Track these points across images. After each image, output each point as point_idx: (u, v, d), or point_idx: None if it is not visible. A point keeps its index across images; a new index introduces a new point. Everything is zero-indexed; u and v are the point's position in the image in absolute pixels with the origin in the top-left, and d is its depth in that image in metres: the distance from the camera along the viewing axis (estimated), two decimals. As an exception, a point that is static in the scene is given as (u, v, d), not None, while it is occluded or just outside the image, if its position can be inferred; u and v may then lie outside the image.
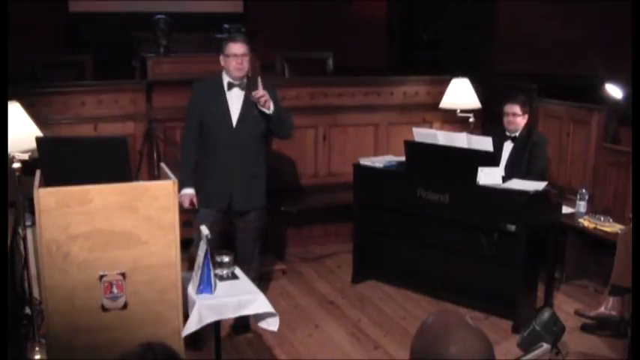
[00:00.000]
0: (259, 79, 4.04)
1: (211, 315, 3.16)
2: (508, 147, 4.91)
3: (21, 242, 3.96)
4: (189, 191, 4.09)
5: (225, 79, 4.10)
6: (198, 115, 4.11)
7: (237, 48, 4.02)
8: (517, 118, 4.90)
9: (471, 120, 5.81)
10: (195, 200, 4.11)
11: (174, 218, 3.00)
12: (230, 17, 6.96)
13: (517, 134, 4.93)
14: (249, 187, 4.18)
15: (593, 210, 5.08)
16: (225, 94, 4.10)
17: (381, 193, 4.92)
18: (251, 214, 4.23)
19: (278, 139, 4.82)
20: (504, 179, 4.44)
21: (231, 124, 4.09)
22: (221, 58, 4.08)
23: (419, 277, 4.96)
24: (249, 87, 4.08)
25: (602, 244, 4.78)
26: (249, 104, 4.09)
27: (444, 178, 4.57)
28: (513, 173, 4.63)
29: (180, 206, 3.52)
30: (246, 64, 4.06)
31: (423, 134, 4.85)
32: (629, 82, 4.47)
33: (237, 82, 4.09)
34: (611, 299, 4.21)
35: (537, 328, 2.23)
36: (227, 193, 4.13)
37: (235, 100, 4.10)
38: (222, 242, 4.14)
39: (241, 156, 4.12)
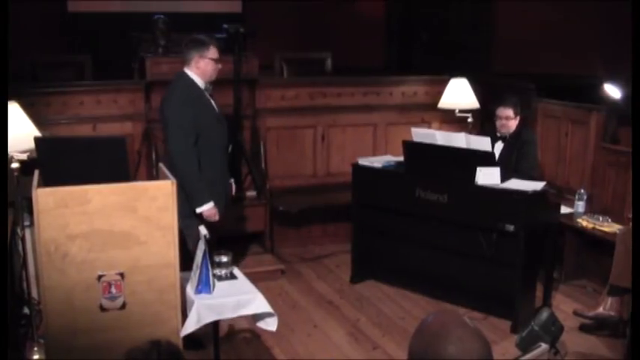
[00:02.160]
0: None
1: (210, 315, 3.17)
2: (499, 147, 4.90)
3: (19, 242, 3.96)
4: (212, 203, 4.00)
5: (201, 82, 4.05)
6: (195, 122, 3.96)
7: (218, 52, 4.06)
8: (510, 122, 4.88)
9: (470, 120, 5.82)
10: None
11: (172, 218, 3.00)
12: (229, 17, 6.95)
13: (508, 135, 4.92)
14: None
15: (591, 210, 5.08)
16: (207, 97, 4.08)
17: (380, 193, 4.92)
18: None
19: None
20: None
21: (225, 126, 4.16)
22: (198, 59, 4.00)
23: (418, 277, 4.96)
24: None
25: (600, 244, 4.78)
26: (219, 105, 4.20)
27: (442, 178, 4.57)
28: (504, 172, 4.60)
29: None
30: None
31: (422, 134, 4.85)
32: (628, 82, 4.47)
33: (209, 85, 4.10)
34: (609, 299, 4.21)
35: (536, 328, 2.23)
36: (225, 196, 4.21)
37: (213, 102, 4.12)
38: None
39: (226, 155, 4.27)
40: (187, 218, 3.80)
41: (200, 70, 4.02)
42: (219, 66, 4.09)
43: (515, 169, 4.72)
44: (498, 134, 4.94)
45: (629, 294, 3.92)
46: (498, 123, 4.92)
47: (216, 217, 4.02)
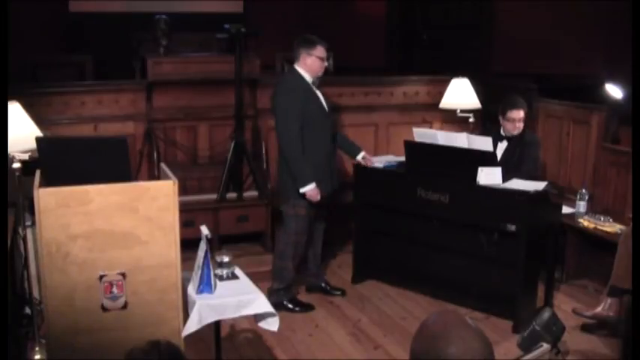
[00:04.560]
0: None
1: (211, 315, 3.16)
2: (502, 146, 4.91)
3: (21, 242, 3.97)
4: (314, 184, 4.44)
5: (309, 78, 4.49)
6: (302, 113, 4.39)
7: (324, 52, 4.49)
8: (521, 124, 4.88)
9: (471, 120, 5.81)
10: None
11: (174, 218, 3.00)
12: (230, 17, 6.95)
13: (512, 135, 4.91)
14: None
15: (593, 210, 5.08)
16: (314, 90, 4.52)
17: (381, 193, 4.92)
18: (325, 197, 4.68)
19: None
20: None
21: (328, 116, 4.60)
22: (305, 57, 4.46)
23: (419, 277, 4.96)
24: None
25: (602, 244, 4.78)
26: (327, 98, 4.63)
27: (444, 178, 4.57)
28: (507, 172, 4.60)
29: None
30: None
31: (423, 134, 4.85)
32: (629, 82, 4.47)
33: (316, 80, 4.54)
34: (609, 300, 4.21)
35: (537, 328, 2.23)
36: (332, 178, 4.62)
37: (319, 95, 4.56)
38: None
39: (333, 143, 4.67)
40: (295, 199, 4.47)
41: (307, 66, 4.47)
42: (326, 64, 4.54)
43: (519, 170, 4.70)
44: (503, 133, 4.93)
45: (629, 295, 3.93)
46: (510, 125, 4.88)
47: (317, 197, 4.45)
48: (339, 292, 4.94)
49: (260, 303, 3.25)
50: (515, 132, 4.90)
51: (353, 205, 5.14)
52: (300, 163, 4.40)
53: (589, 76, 6.29)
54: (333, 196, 4.78)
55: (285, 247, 4.63)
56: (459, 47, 8.39)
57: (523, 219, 4.26)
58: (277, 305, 4.07)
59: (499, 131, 4.96)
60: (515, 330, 4.30)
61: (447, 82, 6.01)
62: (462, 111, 5.87)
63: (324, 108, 4.55)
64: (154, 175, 4.94)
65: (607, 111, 5.34)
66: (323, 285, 4.97)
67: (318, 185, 4.47)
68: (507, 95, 5.06)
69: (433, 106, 6.13)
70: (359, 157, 4.86)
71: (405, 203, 4.79)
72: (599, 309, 4.24)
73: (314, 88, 4.52)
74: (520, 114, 4.88)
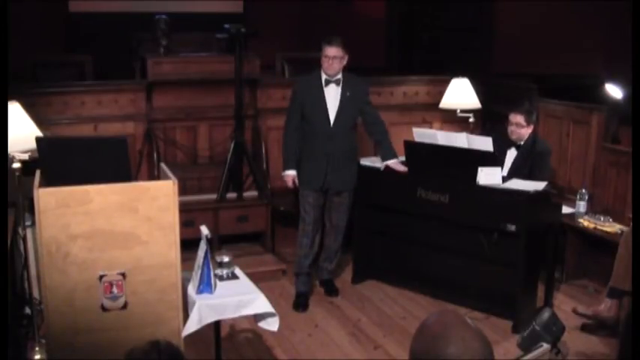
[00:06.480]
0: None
1: (211, 315, 3.17)
2: (512, 154, 4.84)
3: (21, 242, 3.97)
4: (291, 172, 4.67)
5: (323, 76, 4.59)
6: (299, 106, 4.60)
7: (328, 50, 4.51)
8: (521, 130, 4.78)
9: (471, 120, 5.81)
10: (296, 180, 4.66)
11: (174, 218, 3.00)
12: (230, 17, 6.94)
13: (522, 142, 4.84)
14: (343, 170, 4.69)
15: (593, 210, 5.08)
16: (322, 89, 4.59)
17: (381, 193, 4.92)
18: (344, 194, 4.77)
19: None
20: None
21: (328, 117, 4.59)
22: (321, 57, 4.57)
23: (419, 277, 4.96)
24: (345, 83, 4.60)
25: (602, 244, 4.78)
26: (345, 99, 4.60)
27: (443, 178, 4.57)
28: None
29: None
30: (335, 65, 4.52)
31: (423, 134, 4.86)
32: (629, 82, 4.47)
33: (332, 79, 4.57)
34: (608, 301, 4.21)
35: (537, 328, 2.23)
36: (322, 176, 4.63)
37: (332, 94, 4.59)
38: (321, 215, 4.80)
39: (336, 144, 4.61)
40: (301, 189, 4.70)
41: (322, 65, 4.55)
42: (330, 62, 4.51)
43: (530, 180, 4.58)
44: (511, 140, 4.87)
45: (628, 297, 3.93)
46: (509, 129, 4.83)
47: (289, 184, 4.69)
48: (334, 294, 4.95)
49: (260, 303, 3.26)
50: (514, 137, 4.82)
51: (353, 205, 5.13)
52: (285, 149, 4.70)
53: (589, 76, 6.29)
54: (342, 196, 4.79)
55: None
56: (459, 47, 8.41)
57: (523, 219, 4.26)
58: None
59: (508, 137, 4.89)
60: (515, 330, 4.30)
61: (447, 82, 6.00)
62: (462, 111, 5.86)
63: (325, 110, 4.56)
64: (154, 175, 4.94)
65: (607, 111, 5.34)
66: (322, 280, 5.05)
67: (304, 179, 4.65)
68: (517, 98, 4.98)
69: (433, 106, 6.13)
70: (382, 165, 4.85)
71: (405, 203, 4.79)
72: (601, 307, 4.24)
73: (324, 86, 4.58)
74: (516, 118, 4.78)
